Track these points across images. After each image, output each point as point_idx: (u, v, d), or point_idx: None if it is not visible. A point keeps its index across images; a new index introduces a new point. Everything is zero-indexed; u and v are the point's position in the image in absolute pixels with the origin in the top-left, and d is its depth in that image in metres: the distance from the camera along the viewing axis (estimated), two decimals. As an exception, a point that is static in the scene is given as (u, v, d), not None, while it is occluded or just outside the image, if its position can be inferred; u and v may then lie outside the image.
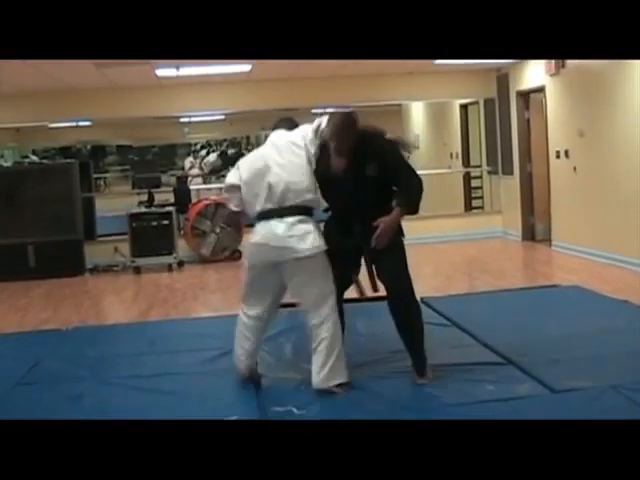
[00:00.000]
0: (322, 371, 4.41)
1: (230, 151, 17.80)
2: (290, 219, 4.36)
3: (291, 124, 4.77)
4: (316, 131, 4.46)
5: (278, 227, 4.36)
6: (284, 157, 4.43)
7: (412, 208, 4.55)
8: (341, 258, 4.51)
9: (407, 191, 4.51)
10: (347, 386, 4.45)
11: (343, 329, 4.69)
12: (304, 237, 4.35)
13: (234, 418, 4.09)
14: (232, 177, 4.66)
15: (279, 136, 4.61)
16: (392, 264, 4.54)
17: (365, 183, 4.44)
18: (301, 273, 4.42)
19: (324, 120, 4.48)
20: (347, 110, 4.57)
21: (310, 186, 4.42)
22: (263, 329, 4.74)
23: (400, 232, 4.60)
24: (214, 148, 18.37)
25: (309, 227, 4.38)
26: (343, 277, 4.64)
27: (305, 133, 4.49)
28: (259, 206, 4.44)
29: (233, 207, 4.71)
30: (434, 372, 4.64)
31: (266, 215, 4.42)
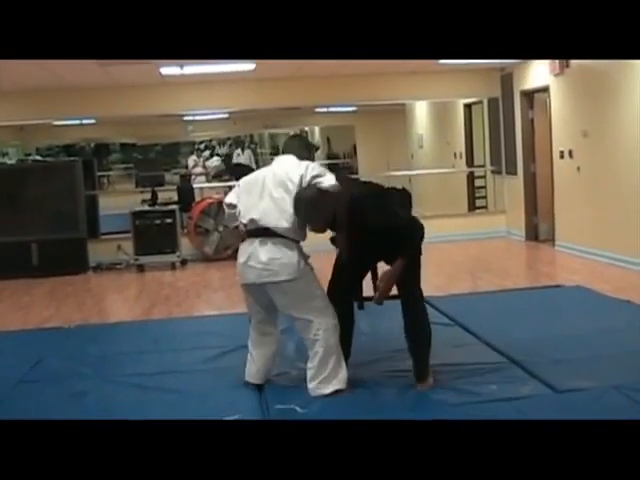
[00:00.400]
0: (314, 380, 4.44)
1: (235, 153, 17.81)
2: (273, 242, 4.36)
3: (300, 144, 4.72)
4: (314, 177, 4.33)
5: (260, 249, 4.37)
6: (278, 191, 4.36)
7: (414, 256, 4.58)
8: (353, 264, 4.53)
9: (410, 244, 4.47)
10: (345, 391, 4.44)
11: (352, 332, 4.70)
12: (285, 261, 4.35)
13: (237, 417, 4.10)
14: (231, 196, 4.66)
15: (282, 164, 4.53)
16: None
17: (367, 235, 4.39)
18: (284, 295, 4.43)
19: (327, 174, 4.39)
20: (323, 186, 4.34)
21: (292, 226, 4.35)
22: (267, 344, 4.73)
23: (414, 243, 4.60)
24: (218, 150, 18.38)
25: (291, 252, 4.37)
26: (352, 281, 4.65)
27: (305, 172, 4.35)
28: (248, 226, 4.46)
29: (232, 225, 4.72)
30: (436, 374, 4.63)
31: (251, 234, 4.44)
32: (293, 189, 4.32)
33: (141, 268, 10.65)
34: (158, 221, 10.81)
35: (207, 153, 17.92)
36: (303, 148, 4.69)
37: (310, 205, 4.27)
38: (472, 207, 13.25)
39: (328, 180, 4.34)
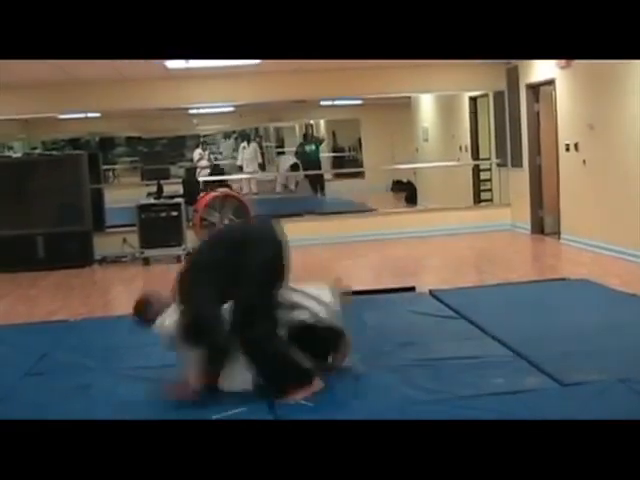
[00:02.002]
0: None
1: (241, 146, 17.88)
2: None
3: None
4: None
5: None
6: None
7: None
8: None
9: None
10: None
11: None
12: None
13: (241, 409, 4.10)
14: None
15: None
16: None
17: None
18: None
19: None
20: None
21: None
22: None
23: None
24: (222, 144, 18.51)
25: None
26: None
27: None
28: None
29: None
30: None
31: None
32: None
33: (146, 261, 10.66)
34: (163, 214, 10.80)
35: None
36: None
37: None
38: (477, 200, 13.25)
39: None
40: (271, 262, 4.33)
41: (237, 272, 4.25)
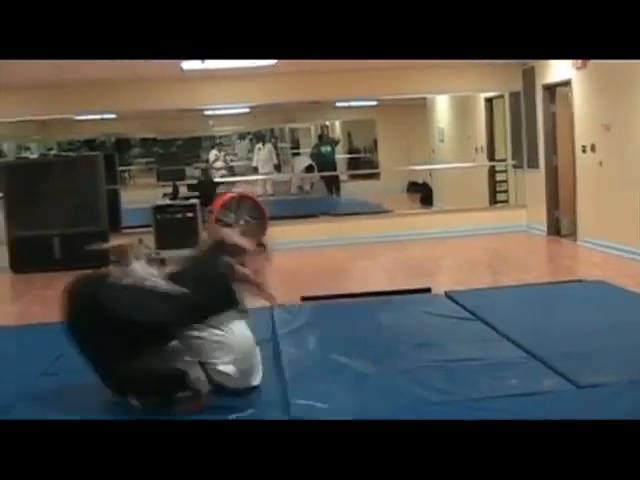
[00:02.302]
0: None
1: (256, 147, 17.93)
2: None
3: None
4: None
5: None
6: None
7: None
8: None
9: None
10: None
11: None
12: None
13: (254, 410, 4.10)
14: None
15: None
16: None
17: None
18: None
19: None
20: None
21: None
22: None
23: None
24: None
25: None
26: None
27: None
28: None
29: None
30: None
31: None
32: None
33: (162, 262, 10.67)
34: (179, 215, 10.83)
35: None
36: None
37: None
38: (493, 201, 13.21)
39: None
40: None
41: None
